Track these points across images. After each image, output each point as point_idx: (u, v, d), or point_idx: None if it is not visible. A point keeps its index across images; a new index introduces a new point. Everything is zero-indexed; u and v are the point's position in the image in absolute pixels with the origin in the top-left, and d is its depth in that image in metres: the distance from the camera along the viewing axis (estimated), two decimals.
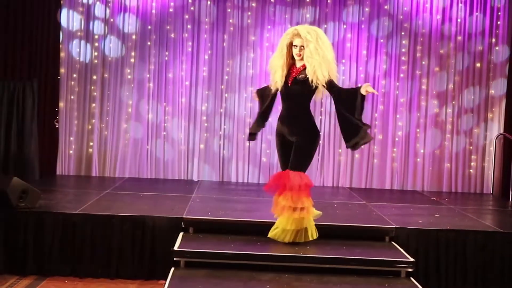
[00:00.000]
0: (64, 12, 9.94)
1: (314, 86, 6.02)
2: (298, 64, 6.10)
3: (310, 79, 5.97)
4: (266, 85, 6.48)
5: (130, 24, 10.07)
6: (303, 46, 5.98)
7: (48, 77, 9.87)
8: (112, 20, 10.04)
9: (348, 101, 5.90)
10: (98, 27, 10.04)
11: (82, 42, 10.01)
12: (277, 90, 6.18)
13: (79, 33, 10.00)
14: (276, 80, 6.10)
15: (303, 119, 6.14)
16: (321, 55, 5.90)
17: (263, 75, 10.14)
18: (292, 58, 6.11)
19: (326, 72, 5.92)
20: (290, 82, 6.07)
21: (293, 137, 6.11)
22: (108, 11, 10.03)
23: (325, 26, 10.19)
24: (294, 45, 6.03)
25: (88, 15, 10.02)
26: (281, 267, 5.99)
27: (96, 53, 10.06)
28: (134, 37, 10.08)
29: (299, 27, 6.10)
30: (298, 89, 6.05)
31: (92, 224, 6.70)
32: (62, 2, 9.93)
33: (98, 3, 10.02)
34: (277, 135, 6.29)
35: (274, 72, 6.12)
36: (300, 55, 6.02)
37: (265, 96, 6.37)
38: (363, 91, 5.79)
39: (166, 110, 10.19)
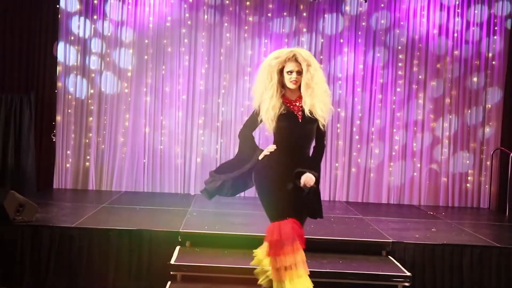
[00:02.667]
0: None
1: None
2: (294, 95, 4.94)
3: (314, 115, 4.84)
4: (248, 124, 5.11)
5: (127, 37, 10.10)
6: (301, 72, 4.85)
7: (45, 91, 9.88)
8: (109, 34, 10.06)
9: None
10: (96, 40, 10.07)
11: (79, 55, 10.02)
12: (274, 126, 4.88)
13: (76, 47, 10.02)
14: (272, 115, 4.83)
15: (308, 161, 4.93)
16: (320, 86, 4.86)
17: None
18: (280, 85, 4.92)
19: (325, 109, 4.87)
20: (300, 117, 4.86)
21: (295, 185, 4.81)
22: (106, 24, 10.06)
23: (322, 40, 10.24)
24: (288, 71, 4.85)
25: (85, 26, 10.05)
26: None
27: (93, 67, 10.06)
28: (131, 51, 10.10)
29: (296, 49, 4.94)
30: (311, 126, 4.88)
31: (89, 237, 6.69)
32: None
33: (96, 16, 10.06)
34: (270, 177, 4.88)
35: (268, 107, 4.84)
36: (296, 82, 4.85)
37: (248, 138, 5.09)
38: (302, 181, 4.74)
39: (162, 123, 10.19)
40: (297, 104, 4.90)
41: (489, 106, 10.32)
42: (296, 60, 4.88)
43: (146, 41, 10.13)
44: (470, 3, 10.29)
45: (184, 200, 9.41)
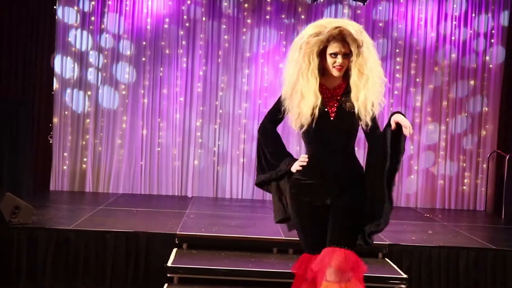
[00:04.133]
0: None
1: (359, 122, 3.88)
2: (334, 83, 3.90)
3: (356, 111, 3.83)
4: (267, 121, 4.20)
5: (124, 39, 10.10)
6: (349, 54, 3.80)
7: (43, 92, 9.88)
8: (107, 36, 10.06)
9: (378, 148, 3.84)
10: (91, 41, 10.07)
11: (76, 59, 10.02)
12: (304, 127, 3.87)
13: (73, 49, 10.02)
14: (304, 112, 3.81)
15: (354, 170, 3.97)
16: (376, 73, 3.83)
17: (257, 92, 10.18)
18: (320, 72, 3.86)
19: (377, 102, 3.84)
20: (333, 114, 3.86)
21: (334, 197, 3.89)
22: (103, 26, 10.06)
23: None
24: (332, 53, 3.79)
25: (82, 28, 10.04)
26: (274, 283, 5.99)
27: (90, 69, 10.06)
28: (128, 52, 10.10)
29: (343, 23, 3.81)
30: (348, 125, 3.88)
31: (86, 240, 6.68)
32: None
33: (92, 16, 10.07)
34: (303, 197, 3.93)
35: (300, 99, 3.82)
36: (342, 67, 3.81)
37: (269, 133, 4.17)
38: (392, 124, 3.71)
39: (160, 126, 10.20)
40: (336, 97, 3.87)
41: (486, 109, 10.33)
42: (344, 39, 3.78)
43: (144, 43, 10.13)
44: (467, 6, 10.29)
45: (181, 202, 9.42)
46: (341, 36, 3.75)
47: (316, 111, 3.79)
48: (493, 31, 10.30)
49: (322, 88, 3.86)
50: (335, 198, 3.86)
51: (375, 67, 3.81)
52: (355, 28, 3.78)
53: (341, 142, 3.87)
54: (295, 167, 3.97)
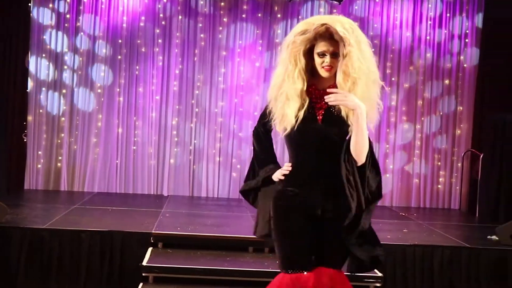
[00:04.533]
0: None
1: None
2: (326, 83, 3.56)
3: (345, 116, 3.51)
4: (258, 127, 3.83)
5: (100, 38, 10.03)
6: (337, 53, 3.46)
7: (17, 92, 9.79)
8: (81, 34, 9.99)
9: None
10: (64, 39, 9.99)
11: (51, 59, 9.94)
12: (286, 131, 3.55)
13: (48, 47, 9.94)
14: (288, 115, 3.51)
15: (342, 177, 3.48)
16: (366, 72, 3.44)
17: (234, 90, 10.17)
18: (308, 72, 3.57)
19: (370, 108, 3.51)
20: (320, 117, 3.54)
21: (326, 211, 3.54)
22: (79, 23, 9.99)
23: None
24: (320, 53, 3.49)
25: (58, 29, 9.96)
26: (250, 282, 5.99)
27: (65, 66, 9.98)
28: (104, 51, 10.04)
29: (331, 19, 3.47)
30: (335, 130, 3.52)
31: (60, 239, 6.62)
32: None
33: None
34: (289, 209, 3.56)
35: (285, 101, 3.52)
36: (331, 68, 3.48)
37: (262, 139, 3.81)
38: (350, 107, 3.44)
39: (136, 124, 10.15)
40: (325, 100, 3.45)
41: (461, 108, 10.41)
42: (332, 37, 3.45)
43: (120, 41, 10.08)
44: (443, 8, 10.36)
45: (157, 201, 9.38)
46: (329, 34, 3.44)
47: (301, 114, 3.48)
48: (467, 31, 10.37)
49: (312, 89, 3.55)
50: (324, 210, 3.51)
51: (367, 68, 3.42)
52: (344, 26, 3.41)
53: (328, 148, 3.49)
54: (276, 175, 3.64)
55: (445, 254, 6.85)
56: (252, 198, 3.82)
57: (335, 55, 3.45)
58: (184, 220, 7.73)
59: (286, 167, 3.61)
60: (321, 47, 3.47)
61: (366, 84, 3.43)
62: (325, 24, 3.43)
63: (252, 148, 3.89)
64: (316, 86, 3.57)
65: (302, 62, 3.50)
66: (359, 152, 3.48)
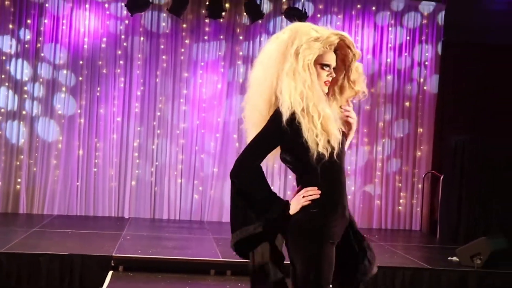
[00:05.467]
0: None
1: None
2: (336, 102, 3.36)
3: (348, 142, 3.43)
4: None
5: (61, 57, 9.94)
6: (334, 68, 3.25)
7: None
8: (42, 54, 9.89)
9: None
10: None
11: (12, 87, 9.83)
12: (334, 150, 3.15)
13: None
14: (336, 133, 3.16)
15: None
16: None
17: (195, 112, 10.15)
18: None
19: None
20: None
21: (343, 234, 3.38)
22: (39, 45, 9.90)
23: None
24: (325, 64, 3.19)
25: (17, 57, 9.87)
26: None
27: (26, 88, 9.86)
28: (65, 72, 9.94)
29: (339, 31, 3.24)
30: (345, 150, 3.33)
31: (18, 263, 6.51)
32: None
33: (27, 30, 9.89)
34: (330, 241, 3.20)
35: (326, 118, 3.13)
36: (329, 83, 3.23)
37: (256, 176, 3.20)
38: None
39: (97, 146, 10.05)
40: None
41: (421, 130, 10.53)
42: (334, 50, 3.21)
43: (81, 62, 10.00)
44: (402, 28, 10.52)
45: (118, 223, 9.29)
46: (334, 47, 3.19)
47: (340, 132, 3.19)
48: (427, 54, 10.52)
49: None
50: (343, 235, 3.32)
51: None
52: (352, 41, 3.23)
53: (344, 168, 3.28)
54: (300, 203, 3.14)
55: (407, 276, 6.90)
56: (254, 244, 3.27)
57: (333, 69, 3.22)
58: (145, 242, 7.66)
59: (313, 191, 3.14)
60: (328, 59, 3.18)
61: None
62: (340, 35, 3.17)
63: (235, 190, 3.20)
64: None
65: (314, 73, 3.14)
66: None
